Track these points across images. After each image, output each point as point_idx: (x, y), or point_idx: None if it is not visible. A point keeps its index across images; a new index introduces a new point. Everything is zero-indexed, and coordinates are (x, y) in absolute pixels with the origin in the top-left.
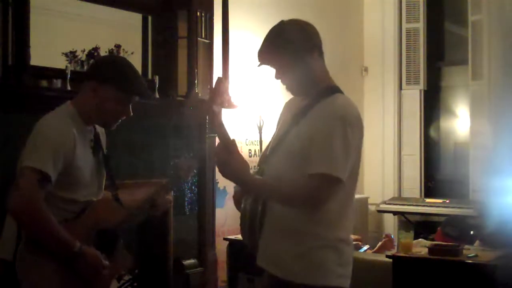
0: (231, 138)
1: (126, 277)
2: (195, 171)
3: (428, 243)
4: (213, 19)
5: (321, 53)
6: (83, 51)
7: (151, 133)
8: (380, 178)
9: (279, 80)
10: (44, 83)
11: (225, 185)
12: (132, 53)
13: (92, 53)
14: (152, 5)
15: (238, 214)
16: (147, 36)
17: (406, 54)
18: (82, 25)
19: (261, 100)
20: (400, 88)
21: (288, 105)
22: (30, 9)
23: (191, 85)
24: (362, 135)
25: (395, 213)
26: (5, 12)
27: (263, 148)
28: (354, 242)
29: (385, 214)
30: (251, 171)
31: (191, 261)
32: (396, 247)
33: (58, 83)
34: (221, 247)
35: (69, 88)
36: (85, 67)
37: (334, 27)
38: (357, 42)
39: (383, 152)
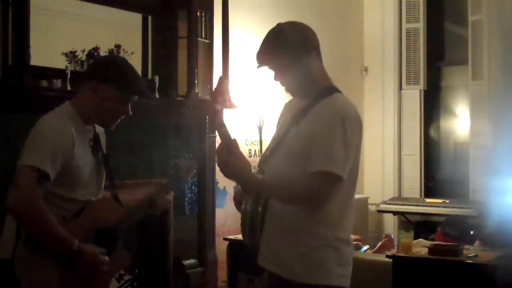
0: (232, 137)
1: (126, 277)
2: (194, 171)
3: (428, 243)
4: (213, 19)
5: (319, 54)
6: (83, 51)
7: (151, 133)
8: (380, 178)
9: (278, 82)
10: (44, 83)
11: (225, 185)
12: (132, 53)
13: (92, 53)
14: (152, 5)
15: (238, 214)
16: (147, 36)
17: (406, 54)
18: (82, 25)
19: (261, 100)
20: (400, 88)
21: (287, 106)
22: (30, 9)
23: (191, 85)
24: (361, 135)
25: (395, 213)
26: (5, 12)
27: (263, 148)
28: (354, 242)
29: (385, 214)
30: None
31: (191, 261)
32: (396, 247)
33: (58, 83)
34: (221, 247)
35: (69, 88)
36: (85, 67)
37: (334, 27)
38: (357, 42)
39: (383, 152)
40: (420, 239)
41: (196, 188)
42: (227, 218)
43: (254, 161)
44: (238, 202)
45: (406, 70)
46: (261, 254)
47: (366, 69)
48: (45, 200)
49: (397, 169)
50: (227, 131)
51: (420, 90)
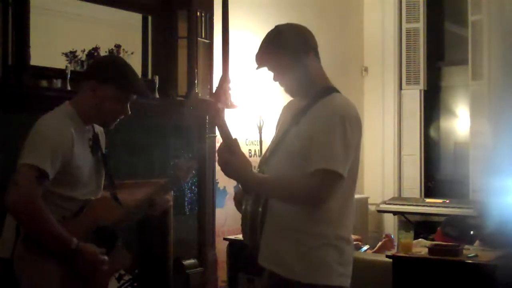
0: (233, 137)
1: (126, 277)
2: (194, 171)
3: (428, 243)
4: (213, 19)
5: (317, 55)
6: (83, 51)
7: (151, 133)
8: (380, 178)
9: (278, 82)
10: (44, 83)
11: (225, 185)
12: (132, 53)
13: (92, 53)
14: (152, 5)
15: (238, 214)
16: (147, 36)
17: (406, 54)
18: (82, 25)
19: (261, 100)
20: (400, 88)
21: (287, 107)
22: (30, 9)
23: (191, 85)
24: (361, 135)
25: (395, 213)
26: (5, 12)
27: (263, 148)
28: (354, 242)
29: (385, 214)
30: None
31: (191, 261)
32: (396, 247)
33: (58, 83)
34: (221, 247)
35: (69, 88)
36: (85, 67)
37: (334, 27)
38: (357, 42)
39: (383, 152)
40: (420, 239)
41: (196, 188)
42: (227, 218)
43: (254, 161)
44: (238, 202)
45: (406, 70)
46: (261, 254)
47: (366, 69)
48: (45, 199)
49: (397, 169)
50: (228, 130)
51: (420, 90)
